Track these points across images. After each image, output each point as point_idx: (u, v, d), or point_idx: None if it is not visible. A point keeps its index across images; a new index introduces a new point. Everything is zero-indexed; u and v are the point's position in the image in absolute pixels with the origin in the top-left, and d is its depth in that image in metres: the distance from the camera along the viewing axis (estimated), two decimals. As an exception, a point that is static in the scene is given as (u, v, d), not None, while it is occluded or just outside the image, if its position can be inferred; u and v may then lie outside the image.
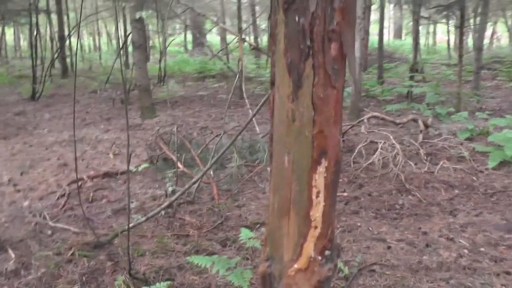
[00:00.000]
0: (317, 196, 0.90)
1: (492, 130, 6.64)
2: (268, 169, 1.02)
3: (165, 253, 3.48)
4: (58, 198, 4.77)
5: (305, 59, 0.84)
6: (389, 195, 4.74)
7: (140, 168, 5.57)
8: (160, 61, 13.47)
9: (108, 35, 27.18)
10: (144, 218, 3.44)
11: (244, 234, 3.16)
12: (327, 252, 0.96)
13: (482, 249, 3.50)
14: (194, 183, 3.46)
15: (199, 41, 20.86)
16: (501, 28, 28.00)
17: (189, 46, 25.54)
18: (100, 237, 3.49)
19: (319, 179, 0.90)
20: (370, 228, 3.97)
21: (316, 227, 0.92)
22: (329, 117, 0.88)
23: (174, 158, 4.75)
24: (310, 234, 0.92)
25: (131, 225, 3.26)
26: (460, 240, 3.65)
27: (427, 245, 3.58)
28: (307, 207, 0.91)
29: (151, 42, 18.60)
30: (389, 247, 3.58)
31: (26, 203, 4.72)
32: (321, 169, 0.89)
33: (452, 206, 4.42)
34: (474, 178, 5.13)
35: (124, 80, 10.95)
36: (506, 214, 4.16)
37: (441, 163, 5.50)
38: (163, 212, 4.09)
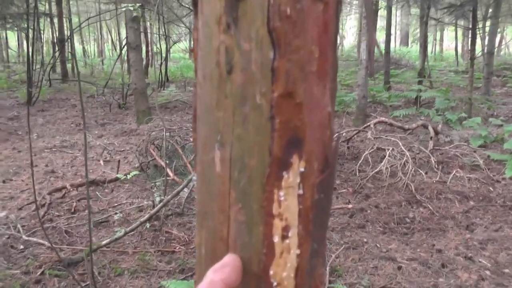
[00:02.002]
0: (284, 237, 0.47)
1: (507, 137, 6.22)
2: (194, 178, 0.58)
3: (146, 273, 3.08)
4: (37, 209, 4.37)
5: None
6: (398, 207, 4.33)
7: (129, 176, 5.18)
8: (161, 65, 13.13)
9: (113, 41, 27.01)
10: (122, 233, 3.05)
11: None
12: None
13: (506, 270, 3.09)
14: (178, 193, 3.07)
15: (202, 46, 20.55)
16: (509, 36, 27.66)
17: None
18: (70, 255, 3.09)
19: (288, 199, 0.46)
20: (378, 245, 3.56)
21: None
22: (308, 62, 0.44)
23: (164, 165, 4.36)
24: None
25: (103, 242, 2.87)
26: (480, 260, 3.24)
27: (442, 265, 3.17)
28: (263, 258, 0.48)
29: (154, 47, 18.33)
30: (399, 268, 3.17)
31: (2, 214, 4.34)
32: (291, 178, 0.46)
33: (468, 220, 4.00)
34: (490, 188, 4.71)
35: (123, 83, 10.69)
36: (530, 230, 3.74)
37: (454, 172, 5.08)
38: (148, 225, 3.70)
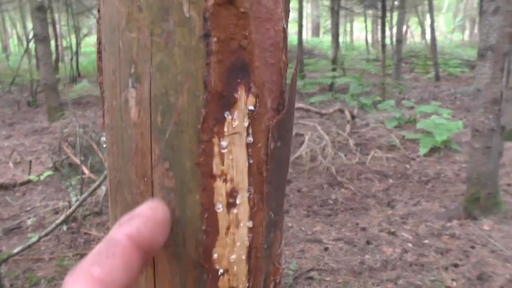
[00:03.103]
0: (230, 205, 0.35)
1: (419, 117, 6.56)
2: (103, 138, 0.41)
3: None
4: None
5: None
6: (321, 190, 4.40)
7: (42, 177, 4.84)
8: (71, 59, 12.46)
9: (18, 36, 25.23)
10: (35, 239, 2.80)
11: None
12: None
13: (426, 241, 3.23)
14: (94, 190, 2.87)
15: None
16: (413, 26, 29.31)
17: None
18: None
19: (234, 151, 0.35)
20: (303, 228, 3.58)
21: None
22: None
23: (79, 162, 4.10)
24: None
25: (14, 250, 2.63)
26: (402, 234, 3.36)
27: (367, 242, 3.25)
28: (202, 237, 0.36)
29: (64, 41, 17.35)
30: (326, 249, 3.20)
31: None
32: (236, 120, 0.34)
33: (388, 197, 4.15)
34: (407, 166, 4.93)
35: (31, 80, 9.98)
36: (444, 201, 3.95)
37: (372, 152, 5.27)
38: (65, 228, 3.46)
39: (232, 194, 0.35)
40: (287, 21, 0.37)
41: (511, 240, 3.21)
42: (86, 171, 4.20)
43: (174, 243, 0.36)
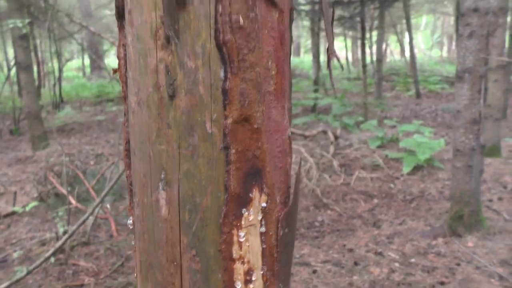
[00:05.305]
0: (247, 281, 0.43)
1: (402, 136, 6.68)
2: (130, 221, 0.49)
3: (54, 311, 2.85)
4: None
5: None
6: (307, 212, 4.45)
7: (28, 208, 4.80)
8: (54, 86, 12.41)
9: (-2, 63, 24.99)
10: (23, 273, 2.78)
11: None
12: None
13: (412, 260, 3.28)
14: (83, 222, 2.88)
15: (97, 64, 19.76)
16: (393, 45, 29.87)
17: (88, 71, 24.22)
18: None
19: (250, 239, 0.42)
20: (293, 251, 3.61)
21: None
22: (265, 81, 0.40)
23: (65, 192, 4.09)
24: None
25: (1, 286, 2.61)
26: (389, 253, 3.41)
27: (355, 264, 3.30)
28: None
29: (45, 67, 17.29)
30: (314, 271, 3.24)
31: None
32: (251, 215, 0.42)
33: (374, 217, 4.21)
34: (391, 185, 5.01)
35: (14, 107, 9.90)
36: (429, 220, 4.03)
37: (357, 173, 5.34)
38: (53, 260, 3.44)
39: (248, 272, 0.42)
40: (290, 126, 0.43)
41: (495, 256, 3.29)
42: (73, 201, 4.19)
43: None
